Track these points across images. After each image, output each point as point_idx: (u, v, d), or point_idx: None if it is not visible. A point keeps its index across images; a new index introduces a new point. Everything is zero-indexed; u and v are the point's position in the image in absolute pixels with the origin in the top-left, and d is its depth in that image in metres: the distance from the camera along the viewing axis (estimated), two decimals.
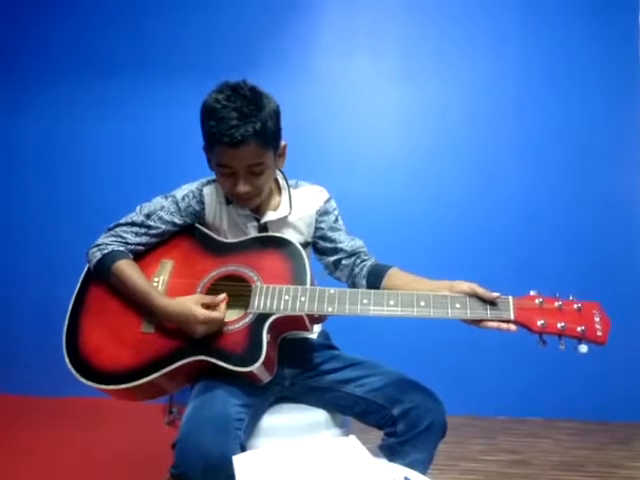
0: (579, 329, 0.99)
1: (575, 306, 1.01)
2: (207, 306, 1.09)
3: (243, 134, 1.05)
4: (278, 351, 1.15)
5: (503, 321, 1.01)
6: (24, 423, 2.32)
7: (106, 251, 1.15)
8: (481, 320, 1.02)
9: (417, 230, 2.48)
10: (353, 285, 1.25)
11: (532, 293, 1.04)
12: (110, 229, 1.20)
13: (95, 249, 1.17)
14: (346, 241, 1.27)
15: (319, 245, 1.29)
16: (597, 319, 1.00)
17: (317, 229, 1.28)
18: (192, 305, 1.07)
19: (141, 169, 2.57)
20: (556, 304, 1.01)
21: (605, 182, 2.44)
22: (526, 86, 2.48)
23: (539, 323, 1.00)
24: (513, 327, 1.00)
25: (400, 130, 2.55)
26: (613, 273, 2.39)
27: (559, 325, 0.99)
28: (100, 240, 1.18)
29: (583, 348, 0.99)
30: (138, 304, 1.14)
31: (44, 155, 2.68)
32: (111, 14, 2.64)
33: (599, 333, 0.99)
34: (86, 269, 1.22)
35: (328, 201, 1.29)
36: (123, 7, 2.64)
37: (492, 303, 1.02)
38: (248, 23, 2.58)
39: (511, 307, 1.01)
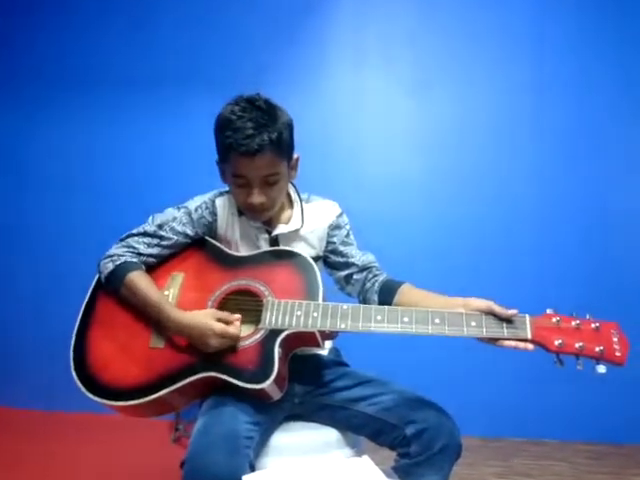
0: (597, 349, 0.96)
1: (593, 325, 0.99)
2: (222, 321, 1.08)
3: (259, 143, 1.06)
4: (288, 368, 1.13)
5: (520, 340, 0.98)
6: (27, 438, 2.30)
7: (119, 262, 1.15)
8: (497, 339, 1.00)
9: (428, 248, 2.44)
10: (364, 300, 1.24)
11: (549, 312, 1.01)
12: (122, 239, 1.20)
13: (107, 260, 1.16)
14: (358, 255, 1.26)
15: (330, 259, 1.28)
16: (615, 339, 0.98)
17: (329, 243, 1.28)
18: (208, 318, 1.06)
19: (153, 180, 2.58)
20: (573, 323, 0.99)
21: (629, 200, 2.38)
22: (545, 99, 2.44)
23: (556, 343, 0.97)
24: (530, 346, 0.98)
25: (413, 144, 2.53)
26: (632, 293, 2.33)
27: (577, 345, 0.97)
28: (112, 251, 1.18)
29: (601, 369, 0.96)
30: (149, 317, 1.13)
31: (56, 165, 2.69)
32: (122, 27, 2.68)
33: (618, 353, 0.96)
34: (95, 280, 1.21)
35: (340, 216, 1.29)
36: (134, 21, 2.67)
37: (508, 321, 1.00)
38: (257, 36, 2.59)
39: (528, 326, 0.99)
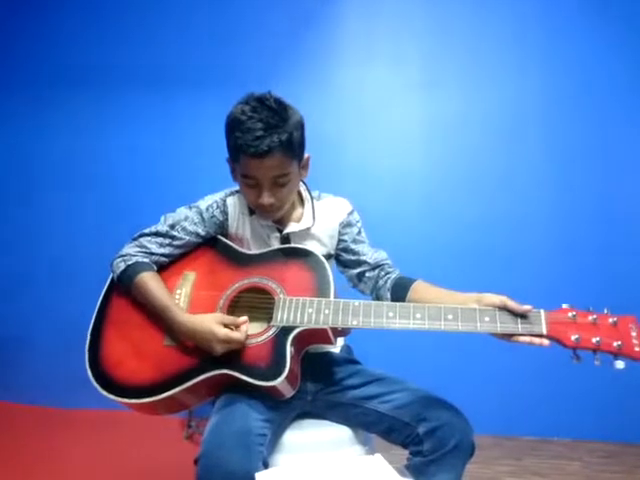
0: (615, 344, 0.94)
1: (610, 320, 0.97)
2: (229, 326, 1.07)
3: (269, 145, 1.05)
4: (300, 365, 1.13)
5: (535, 335, 0.97)
6: (40, 434, 2.32)
7: (130, 262, 1.15)
8: (512, 334, 0.98)
9: (440, 244, 2.42)
10: (377, 298, 1.23)
11: (564, 306, 1.00)
12: (134, 239, 1.20)
13: (119, 259, 1.17)
14: (369, 253, 1.26)
15: (342, 257, 1.28)
16: (634, 333, 0.96)
17: (340, 241, 1.27)
18: (212, 324, 1.05)
19: (162, 180, 2.59)
20: (590, 318, 0.97)
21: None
22: (552, 97, 2.42)
23: (573, 338, 0.96)
24: (546, 342, 0.96)
25: (421, 142, 2.51)
26: None
27: (594, 340, 0.95)
28: (125, 250, 1.19)
29: (619, 364, 0.95)
30: (159, 318, 1.13)
31: (70, 164, 2.70)
32: (128, 27, 2.69)
33: (637, 348, 0.94)
34: (109, 280, 1.22)
35: (351, 213, 1.29)
36: (140, 20, 2.68)
37: (523, 316, 0.98)
38: (266, 34, 2.59)
39: (543, 321, 0.98)
